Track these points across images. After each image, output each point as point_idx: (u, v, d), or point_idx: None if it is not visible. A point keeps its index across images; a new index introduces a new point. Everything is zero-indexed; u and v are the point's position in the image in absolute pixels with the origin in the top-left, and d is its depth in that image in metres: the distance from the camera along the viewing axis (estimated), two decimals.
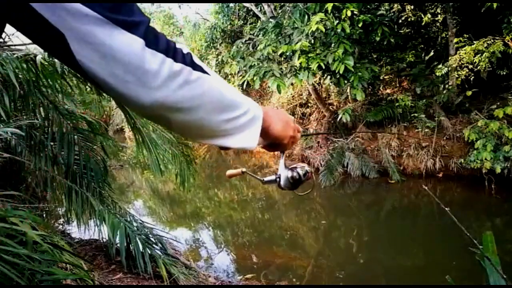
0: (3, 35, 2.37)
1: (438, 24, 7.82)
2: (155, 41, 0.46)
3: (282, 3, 7.99)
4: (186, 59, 0.49)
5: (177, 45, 0.49)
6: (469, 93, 6.32)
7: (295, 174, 0.80)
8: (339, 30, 5.78)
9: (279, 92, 6.66)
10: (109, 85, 0.45)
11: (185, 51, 0.49)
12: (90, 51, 0.42)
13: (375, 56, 7.87)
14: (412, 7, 7.33)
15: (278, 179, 0.81)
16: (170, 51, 0.47)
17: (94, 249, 3.21)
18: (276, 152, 0.82)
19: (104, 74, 0.44)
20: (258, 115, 0.60)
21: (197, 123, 0.53)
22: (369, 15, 5.91)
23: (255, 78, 6.49)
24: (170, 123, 0.51)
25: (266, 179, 0.84)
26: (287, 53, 6.22)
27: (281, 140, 0.69)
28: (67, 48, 0.42)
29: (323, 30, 5.60)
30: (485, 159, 5.70)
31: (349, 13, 5.59)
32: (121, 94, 0.46)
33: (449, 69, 6.53)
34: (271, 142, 0.69)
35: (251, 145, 0.60)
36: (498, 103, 6.20)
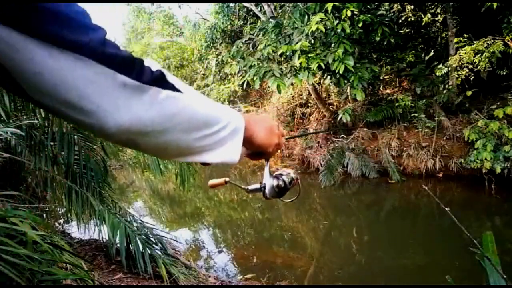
0: None
1: (438, 24, 7.82)
2: (115, 59, 0.40)
3: (282, 3, 7.99)
4: (153, 77, 0.43)
5: (145, 62, 0.44)
6: (469, 93, 6.31)
7: (280, 182, 0.76)
8: (339, 30, 5.78)
9: (279, 92, 6.66)
10: (64, 114, 0.39)
11: (153, 68, 0.44)
12: (34, 82, 0.36)
13: (375, 56, 7.87)
14: (412, 7, 7.32)
15: (263, 188, 0.77)
16: (134, 69, 0.41)
17: (94, 249, 3.21)
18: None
19: (55, 104, 0.38)
20: (239, 127, 0.56)
21: (172, 144, 0.48)
22: (369, 15, 5.91)
23: (255, 78, 6.49)
24: (141, 146, 0.46)
25: (250, 187, 0.79)
26: (287, 53, 6.21)
27: (266, 149, 0.65)
28: (13, 80, 0.36)
29: (323, 30, 5.60)
30: (485, 159, 5.70)
31: (349, 13, 5.59)
32: (82, 123, 0.40)
33: (449, 69, 6.52)
34: (255, 151, 0.65)
35: (233, 158, 0.55)
36: (498, 103, 6.20)
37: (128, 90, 0.41)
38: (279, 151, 0.76)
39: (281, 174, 0.79)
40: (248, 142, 0.60)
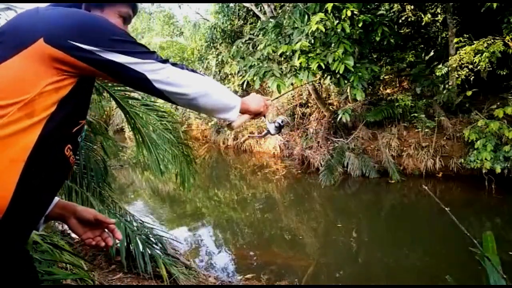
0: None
1: (438, 24, 7.82)
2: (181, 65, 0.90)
3: (282, 3, 7.99)
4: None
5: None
6: (469, 93, 6.31)
7: (276, 124, 1.27)
8: (339, 30, 5.77)
9: (279, 92, 6.66)
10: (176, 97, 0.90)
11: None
12: (161, 83, 0.84)
13: (375, 56, 7.86)
14: (412, 7, 7.32)
15: (268, 130, 1.28)
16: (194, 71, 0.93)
17: (94, 249, 3.21)
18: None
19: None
20: (238, 104, 1.03)
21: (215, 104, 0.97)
22: (369, 15, 5.90)
23: (255, 78, 6.48)
24: (200, 103, 0.92)
25: (262, 134, 1.35)
26: (287, 53, 6.21)
27: (258, 111, 1.12)
28: (150, 83, 0.83)
29: (323, 30, 5.59)
30: (485, 159, 5.70)
31: (349, 13, 5.58)
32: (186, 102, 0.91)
33: (449, 69, 6.52)
34: (254, 113, 1.12)
35: (233, 117, 1.03)
36: (498, 103, 6.19)
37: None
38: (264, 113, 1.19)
39: (276, 120, 1.29)
40: (246, 111, 1.09)
